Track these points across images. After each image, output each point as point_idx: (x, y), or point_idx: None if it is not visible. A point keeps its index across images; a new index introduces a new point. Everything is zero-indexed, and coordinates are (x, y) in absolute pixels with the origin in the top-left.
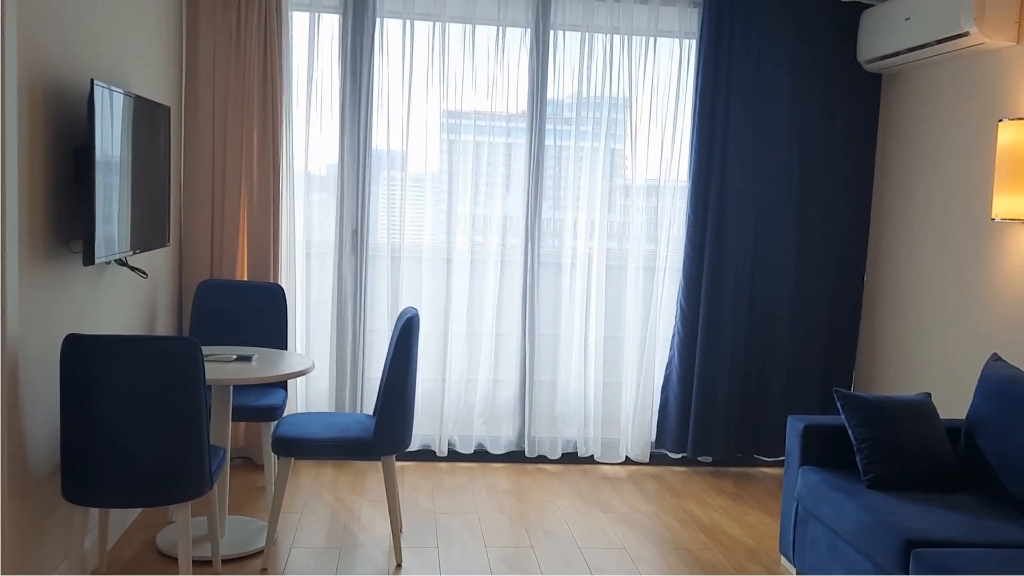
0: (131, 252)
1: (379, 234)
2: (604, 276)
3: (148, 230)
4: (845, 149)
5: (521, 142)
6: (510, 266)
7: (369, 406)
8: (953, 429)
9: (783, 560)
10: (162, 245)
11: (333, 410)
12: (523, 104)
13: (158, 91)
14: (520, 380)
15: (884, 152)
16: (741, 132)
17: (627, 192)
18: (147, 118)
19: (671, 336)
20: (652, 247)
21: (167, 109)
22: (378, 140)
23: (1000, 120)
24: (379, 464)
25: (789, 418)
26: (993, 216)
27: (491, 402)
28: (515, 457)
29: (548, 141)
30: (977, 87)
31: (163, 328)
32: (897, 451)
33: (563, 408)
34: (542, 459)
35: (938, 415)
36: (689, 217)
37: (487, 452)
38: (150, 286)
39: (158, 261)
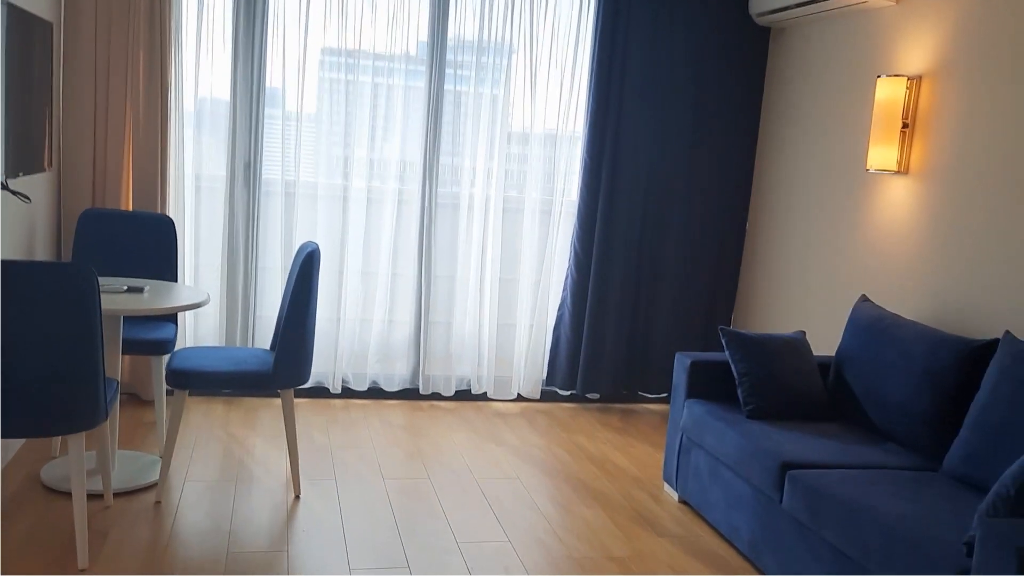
0: (5, 176)
1: (273, 169)
2: (501, 220)
3: (25, 152)
4: (735, 98)
5: (420, 85)
6: (407, 207)
7: (260, 343)
8: (824, 364)
9: (666, 487)
10: (40, 170)
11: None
12: (423, 46)
13: (37, 3)
14: (415, 320)
15: (770, 103)
16: (637, 80)
17: (526, 140)
18: (25, 32)
19: (564, 278)
20: (548, 193)
21: (48, 24)
22: (273, 77)
23: (878, 76)
24: (271, 401)
25: (677, 355)
26: (868, 167)
27: (386, 341)
28: (409, 394)
29: (448, 86)
30: (859, 44)
31: (42, 256)
32: (774, 384)
33: (458, 347)
34: (436, 396)
35: (811, 351)
36: (585, 162)
37: (381, 389)
38: (28, 213)
39: (36, 186)
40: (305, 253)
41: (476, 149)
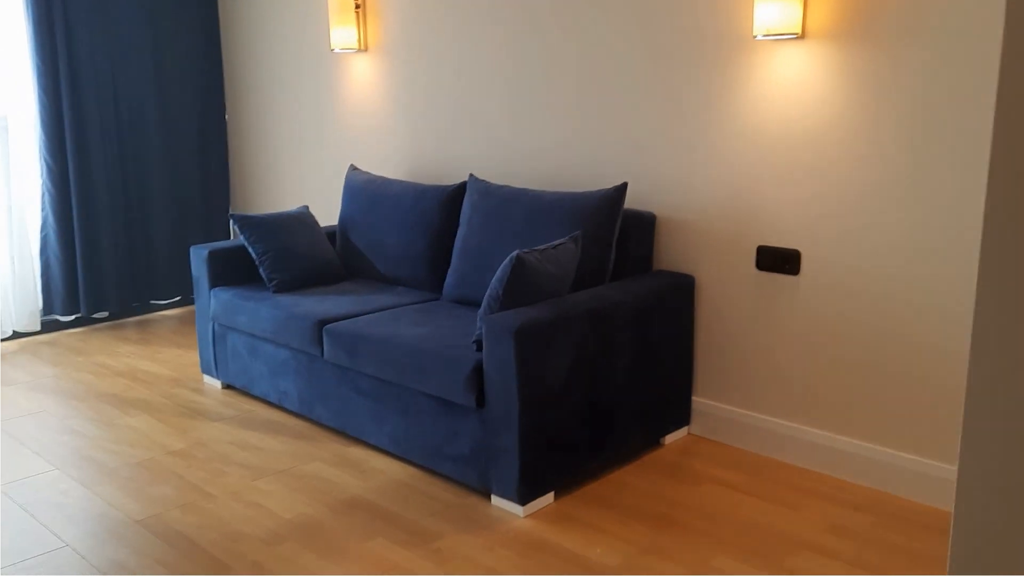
0: None
1: None
2: None
3: None
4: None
5: None
6: None
7: None
8: (331, 232)
9: (207, 378)
10: None
11: None
12: None
13: None
14: None
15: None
16: None
17: None
18: None
19: (40, 196)
20: (1, 106)
21: None
22: None
23: None
24: None
25: (192, 248)
26: (332, 47)
27: None
28: None
29: None
30: None
31: None
32: (292, 258)
33: None
34: None
35: (318, 223)
36: (38, 67)
37: None
38: None
39: None
40: None
41: None
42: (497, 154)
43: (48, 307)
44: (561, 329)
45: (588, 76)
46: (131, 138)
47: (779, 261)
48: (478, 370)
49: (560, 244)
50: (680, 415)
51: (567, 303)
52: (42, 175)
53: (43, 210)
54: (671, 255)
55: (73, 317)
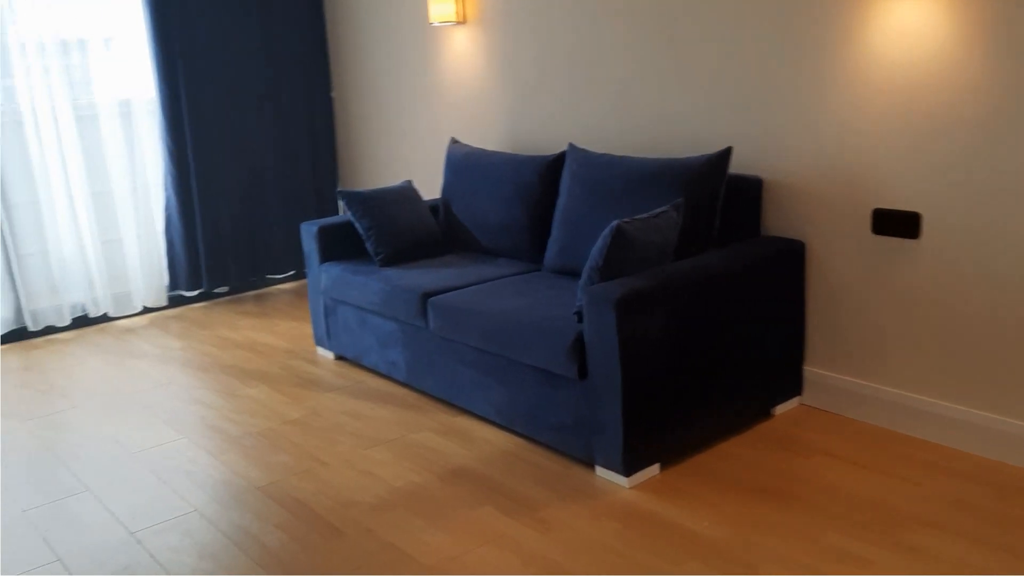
0: None
1: None
2: (75, 129)
3: None
4: None
5: None
6: None
7: None
8: (434, 206)
9: (320, 350)
10: None
11: None
12: None
13: None
14: (3, 256)
15: None
16: None
17: (83, 46)
18: None
19: (164, 177)
20: (124, 92)
21: None
22: None
23: None
24: None
25: (302, 225)
26: (431, 20)
27: None
28: (18, 335)
29: None
30: None
31: None
32: (396, 232)
33: (62, 275)
34: (50, 330)
35: (421, 197)
36: (157, 55)
37: None
38: None
39: None
40: None
41: (27, 58)
42: (596, 122)
43: (174, 283)
44: (663, 298)
45: (690, 38)
46: (244, 120)
47: (897, 224)
48: (580, 341)
49: (661, 212)
50: (791, 385)
51: (669, 271)
52: (164, 158)
53: (166, 191)
54: (780, 220)
55: (196, 292)
